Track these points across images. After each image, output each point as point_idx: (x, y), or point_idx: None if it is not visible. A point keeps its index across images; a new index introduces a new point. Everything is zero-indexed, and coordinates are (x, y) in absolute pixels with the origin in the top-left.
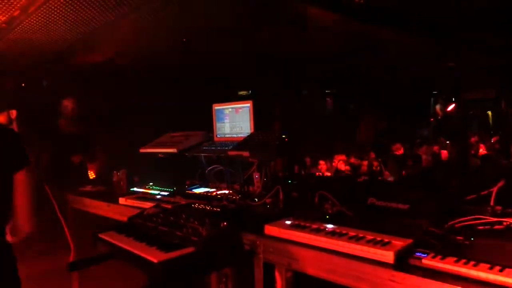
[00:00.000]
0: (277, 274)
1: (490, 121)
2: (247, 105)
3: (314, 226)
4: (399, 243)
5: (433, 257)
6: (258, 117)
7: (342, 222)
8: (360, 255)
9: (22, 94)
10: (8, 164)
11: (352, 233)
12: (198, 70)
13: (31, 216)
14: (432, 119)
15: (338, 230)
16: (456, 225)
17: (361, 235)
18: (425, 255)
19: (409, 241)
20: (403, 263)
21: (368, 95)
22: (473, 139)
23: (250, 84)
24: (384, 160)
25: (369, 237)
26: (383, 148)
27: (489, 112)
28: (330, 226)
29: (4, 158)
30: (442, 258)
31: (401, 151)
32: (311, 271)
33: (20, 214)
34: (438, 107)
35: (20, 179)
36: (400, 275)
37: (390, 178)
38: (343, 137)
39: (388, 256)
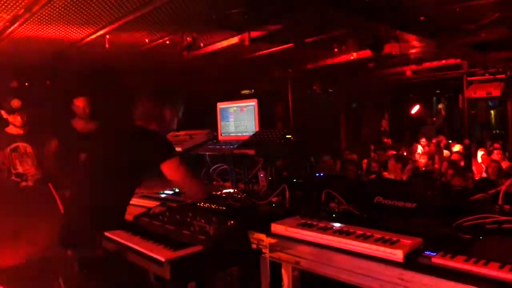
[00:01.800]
0: (283, 272)
1: (493, 121)
2: (252, 104)
3: (321, 224)
4: (407, 241)
5: (443, 255)
6: (261, 116)
7: (349, 221)
8: (368, 253)
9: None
10: (152, 158)
11: (359, 232)
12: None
13: (194, 189)
14: (434, 119)
15: (345, 229)
16: (465, 224)
17: (368, 233)
18: (435, 253)
19: (418, 239)
20: (413, 261)
21: (371, 93)
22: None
23: (253, 83)
24: (388, 158)
25: (377, 235)
26: (387, 146)
27: (492, 112)
28: (337, 224)
29: (148, 154)
30: (452, 257)
31: (404, 150)
32: (318, 269)
33: (186, 190)
34: (440, 106)
35: (166, 168)
36: (409, 274)
37: (396, 177)
38: (347, 136)
39: (397, 254)
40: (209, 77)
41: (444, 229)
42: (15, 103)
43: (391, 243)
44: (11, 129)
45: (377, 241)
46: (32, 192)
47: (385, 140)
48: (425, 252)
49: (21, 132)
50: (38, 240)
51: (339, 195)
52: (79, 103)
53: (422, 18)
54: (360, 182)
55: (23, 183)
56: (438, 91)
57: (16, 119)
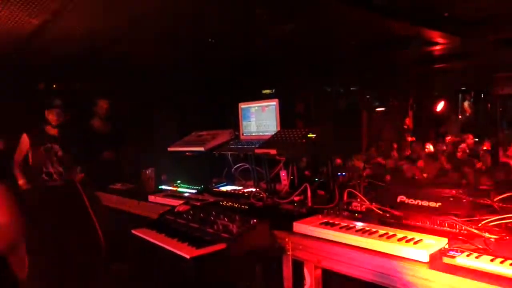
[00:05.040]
0: (306, 271)
1: None
2: (273, 103)
3: (343, 223)
4: (432, 241)
5: (468, 255)
6: (282, 115)
7: (371, 220)
8: (391, 253)
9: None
10: None
11: (382, 231)
12: (224, 69)
13: None
14: (460, 116)
15: (367, 228)
16: (490, 223)
17: (391, 232)
18: (459, 253)
19: (443, 239)
20: (437, 261)
21: (393, 91)
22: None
23: (274, 83)
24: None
25: (400, 235)
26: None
27: None
28: (359, 224)
29: None
30: (477, 257)
31: (431, 149)
32: (341, 268)
33: None
34: (466, 103)
35: None
36: (433, 274)
37: (421, 176)
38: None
39: (421, 254)
40: (230, 77)
41: (470, 229)
42: (57, 102)
43: (414, 243)
44: (48, 129)
45: (400, 240)
46: (59, 191)
47: (409, 138)
48: (450, 252)
49: (55, 133)
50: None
51: (362, 194)
52: (104, 104)
53: (446, 14)
54: (383, 181)
55: (52, 182)
56: (463, 88)
57: (52, 117)
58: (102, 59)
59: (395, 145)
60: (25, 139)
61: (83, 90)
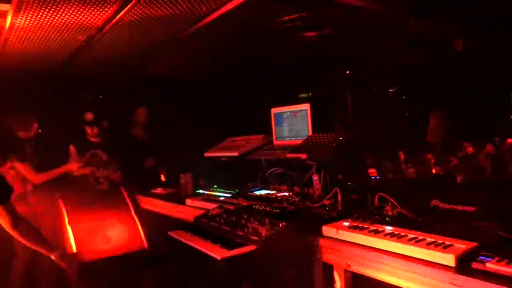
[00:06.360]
0: (336, 274)
1: None
2: (304, 108)
3: (373, 227)
4: (461, 246)
5: (498, 261)
6: (318, 119)
7: (402, 225)
8: (420, 257)
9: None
10: None
11: (411, 235)
12: (257, 73)
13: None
14: None
15: (396, 232)
16: None
17: (421, 237)
18: (490, 258)
19: (473, 244)
20: (466, 266)
21: (437, 91)
22: None
23: (310, 86)
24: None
25: (430, 239)
26: (452, 147)
27: None
28: (389, 228)
29: None
30: (508, 263)
31: (470, 151)
32: (370, 272)
33: None
34: None
35: None
36: (461, 278)
37: (460, 179)
38: (410, 137)
39: (449, 258)
40: (265, 81)
41: (504, 234)
42: (89, 116)
43: (443, 247)
44: (93, 138)
45: (429, 244)
46: (106, 195)
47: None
48: (480, 257)
49: (98, 140)
50: (111, 238)
51: (394, 198)
52: (142, 112)
53: None
54: (417, 186)
55: (99, 186)
56: None
57: (91, 130)
58: (140, 71)
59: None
60: (72, 148)
61: (122, 99)
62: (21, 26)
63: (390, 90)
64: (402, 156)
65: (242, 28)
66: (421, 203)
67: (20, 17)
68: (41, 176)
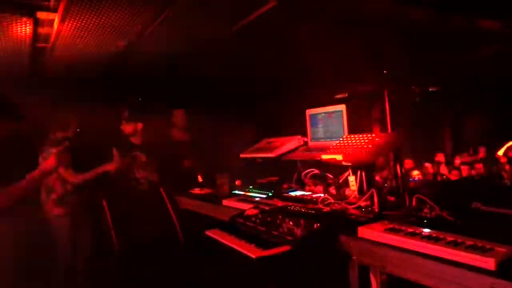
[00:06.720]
0: (372, 276)
1: None
2: (340, 109)
3: (409, 230)
4: (503, 250)
5: None
6: (355, 120)
7: (441, 227)
8: (458, 260)
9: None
10: None
11: (450, 238)
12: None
13: None
14: None
15: (434, 235)
16: None
17: (460, 240)
18: None
19: None
20: (507, 271)
21: (475, 91)
22: None
23: (347, 86)
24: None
25: (469, 242)
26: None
27: None
28: (426, 230)
29: None
30: None
31: None
32: (406, 274)
33: None
34: None
35: None
36: (502, 283)
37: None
38: (451, 138)
39: (489, 262)
40: (302, 82)
41: None
42: (125, 114)
43: (483, 251)
44: (132, 139)
45: (468, 248)
46: (146, 195)
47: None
48: None
49: (139, 142)
50: (151, 237)
51: (433, 200)
52: (180, 114)
53: None
54: (458, 187)
55: (139, 187)
56: None
57: (126, 128)
58: (178, 71)
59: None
60: (113, 150)
61: (160, 100)
62: (66, 33)
63: (431, 90)
64: (443, 158)
65: (281, 31)
66: (461, 205)
67: (65, 25)
68: (79, 177)
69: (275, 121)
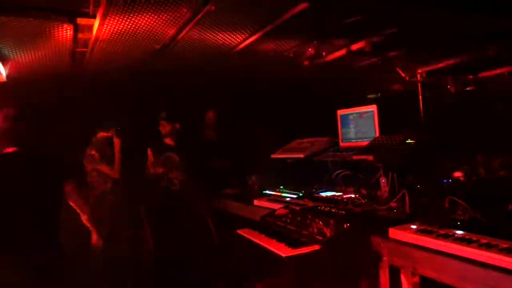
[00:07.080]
0: (403, 277)
1: None
2: (371, 110)
3: (442, 231)
4: None
5: None
6: (386, 120)
7: (474, 229)
8: (491, 263)
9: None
10: None
11: (483, 241)
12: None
13: None
14: None
15: (467, 237)
16: None
17: (494, 242)
18: None
19: None
20: None
21: None
22: None
23: (379, 86)
24: None
25: (503, 245)
26: None
27: None
28: (459, 232)
29: None
30: None
31: None
32: (438, 276)
33: None
34: None
35: None
36: None
37: None
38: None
39: None
40: (333, 84)
41: None
42: (163, 115)
43: None
44: (166, 140)
45: (502, 250)
46: (178, 195)
47: None
48: None
49: (173, 143)
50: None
51: (467, 202)
52: (212, 115)
53: None
54: (494, 189)
55: (172, 187)
56: None
57: (165, 128)
58: (210, 72)
59: None
60: (149, 151)
61: (193, 101)
62: (103, 37)
63: (467, 89)
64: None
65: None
66: (497, 208)
67: (103, 30)
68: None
69: (306, 122)
